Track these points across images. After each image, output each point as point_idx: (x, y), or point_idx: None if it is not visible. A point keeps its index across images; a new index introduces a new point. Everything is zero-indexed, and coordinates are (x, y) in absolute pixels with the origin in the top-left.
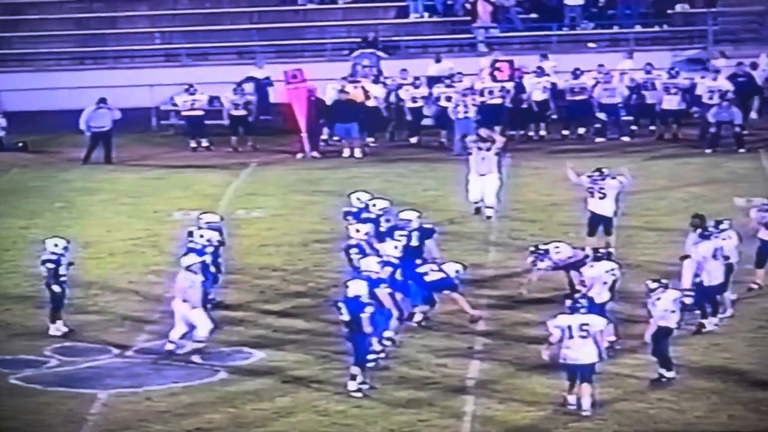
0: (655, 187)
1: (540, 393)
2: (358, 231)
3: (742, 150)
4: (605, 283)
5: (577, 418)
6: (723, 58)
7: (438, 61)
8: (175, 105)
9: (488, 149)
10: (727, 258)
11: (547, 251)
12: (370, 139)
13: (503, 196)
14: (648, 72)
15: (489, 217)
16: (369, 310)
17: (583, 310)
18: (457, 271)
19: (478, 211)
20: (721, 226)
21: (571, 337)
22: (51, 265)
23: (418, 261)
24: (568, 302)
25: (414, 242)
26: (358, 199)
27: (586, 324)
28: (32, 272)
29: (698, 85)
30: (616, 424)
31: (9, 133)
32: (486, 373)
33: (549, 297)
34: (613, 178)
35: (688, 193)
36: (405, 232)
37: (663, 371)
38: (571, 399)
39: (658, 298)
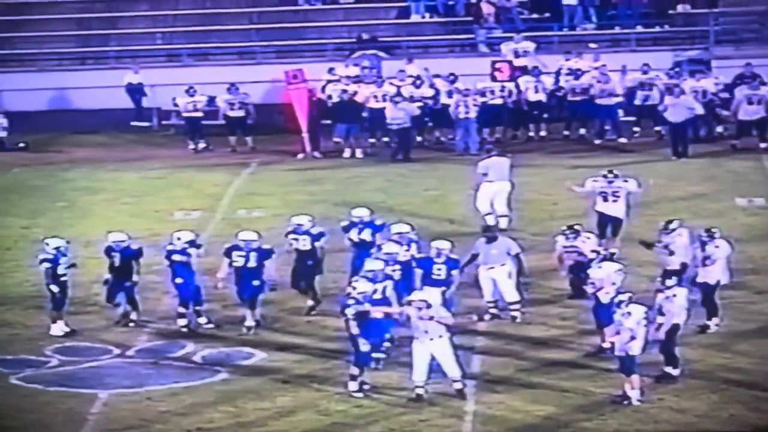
0: (656, 187)
1: (541, 393)
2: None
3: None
4: (613, 283)
5: (578, 418)
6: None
7: (410, 61)
8: (176, 106)
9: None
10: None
11: (578, 234)
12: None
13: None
14: (671, 76)
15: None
16: (350, 311)
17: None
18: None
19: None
20: (671, 226)
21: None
22: (48, 265)
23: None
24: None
25: (252, 263)
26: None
27: (628, 312)
28: (34, 272)
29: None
30: (617, 423)
31: (10, 133)
32: (487, 373)
33: (550, 298)
34: (626, 180)
35: (688, 193)
36: (243, 253)
37: (669, 369)
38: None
39: (674, 295)
